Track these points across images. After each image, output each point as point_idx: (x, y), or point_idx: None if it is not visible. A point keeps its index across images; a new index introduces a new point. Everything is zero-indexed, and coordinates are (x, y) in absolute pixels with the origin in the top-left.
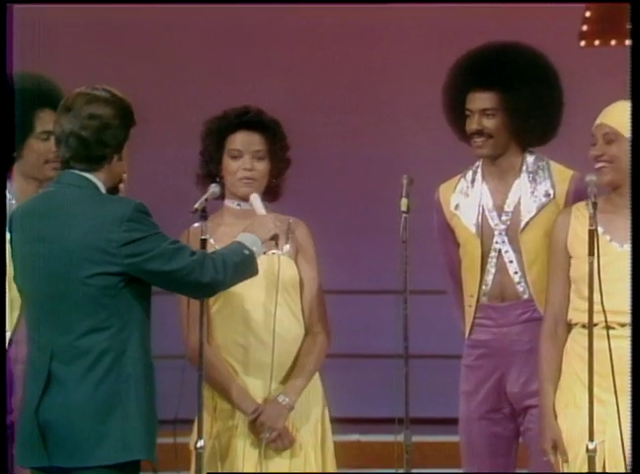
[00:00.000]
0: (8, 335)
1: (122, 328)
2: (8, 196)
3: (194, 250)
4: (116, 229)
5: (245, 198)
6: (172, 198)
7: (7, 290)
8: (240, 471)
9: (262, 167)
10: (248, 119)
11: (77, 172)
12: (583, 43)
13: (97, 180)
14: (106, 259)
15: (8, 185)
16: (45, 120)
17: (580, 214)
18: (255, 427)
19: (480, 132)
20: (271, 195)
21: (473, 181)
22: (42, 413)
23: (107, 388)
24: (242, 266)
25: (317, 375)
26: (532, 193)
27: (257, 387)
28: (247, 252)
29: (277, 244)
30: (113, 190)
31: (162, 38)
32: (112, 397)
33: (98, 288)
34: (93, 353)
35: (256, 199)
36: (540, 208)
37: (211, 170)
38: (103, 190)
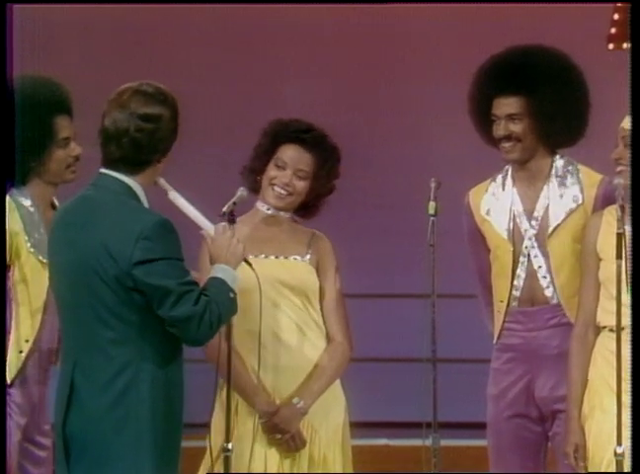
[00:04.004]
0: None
1: (142, 343)
2: (27, 202)
3: (199, 292)
4: (132, 244)
5: (275, 207)
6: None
7: None
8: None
9: (301, 186)
10: (305, 138)
11: (116, 175)
12: (611, 46)
13: (135, 184)
14: (118, 272)
15: (25, 190)
16: (64, 127)
17: (611, 217)
18: (268, 427)
19: (508, 137)
20: (304, 212)
21: (503, 185)
22: (66, 426)
23: (123, 404)
24: (230, 313)
25: (338, 383)
26: (561, 197)
27: (274, 390)
28: (232, 295)
29: (249, 264)
30: None
31: (163, 38)
32: (127, 414)
33: (117, 299)
34: (112, 366)
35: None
36: (568, 214)
37: (256, 167)
38: (140, 193)
